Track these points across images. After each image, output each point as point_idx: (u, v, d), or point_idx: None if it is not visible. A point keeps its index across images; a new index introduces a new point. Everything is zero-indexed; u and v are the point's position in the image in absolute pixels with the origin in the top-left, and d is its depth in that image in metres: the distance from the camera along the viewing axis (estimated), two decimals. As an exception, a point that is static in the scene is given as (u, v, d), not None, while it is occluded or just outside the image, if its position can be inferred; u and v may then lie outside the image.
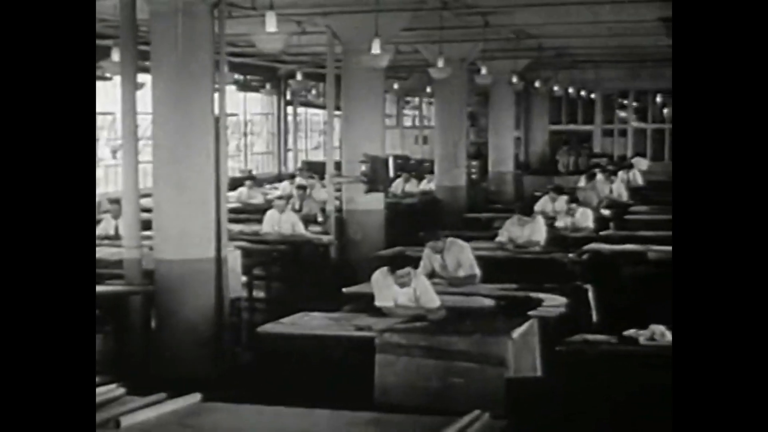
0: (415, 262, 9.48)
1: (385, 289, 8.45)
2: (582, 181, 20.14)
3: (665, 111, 32.61)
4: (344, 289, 9.69)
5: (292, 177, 21.82)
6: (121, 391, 5.64)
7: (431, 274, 9.69)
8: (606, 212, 16.02)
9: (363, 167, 14.53)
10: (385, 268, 8.56)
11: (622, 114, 32.92)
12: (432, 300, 8.43)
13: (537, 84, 26.56)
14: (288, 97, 28.01)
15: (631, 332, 7.40)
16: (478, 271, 10.01)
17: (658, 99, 32.57)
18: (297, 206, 15.78)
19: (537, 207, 14.78)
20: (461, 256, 9.96)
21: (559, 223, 13.71)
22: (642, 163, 28.59)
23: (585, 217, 13.77)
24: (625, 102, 32.85)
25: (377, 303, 8.47)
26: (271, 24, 10.43)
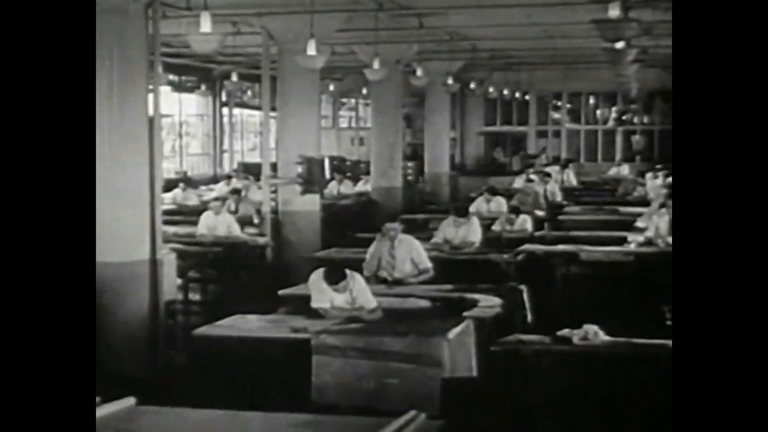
0: (349, 264, 9.50)
1: (322, 290, 8.44)
2: (517, 182, 20.32)
3: (598, 112, 33.00)
4: (280, 291, 9.67)
5: (228, 178, 21.71)
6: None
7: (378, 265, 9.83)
8: (540, 213, 16.16)
9: (299, 168, 14.51)
10: (321, 270, 8.55)
11: (556, 115, 33.25)
12: (368, 301, 8.44)
13: (472, 85, 26.75)
14: (223, 98, 27.88)
15: (564, 332, 7.49)
16: (429, 264, 10.15)
17: (591, 100, 32.95)
18: (233, 208, 15.71)
19: (472, 208, 14.88)
20: (412, 251, 10.07)
21: (497, 228, 13.80)
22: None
23: (524, 223, 13.88)
24: (559, 103, 33.18)
25: (313, 304, 8.46)
26: (205, 24, 10.37)
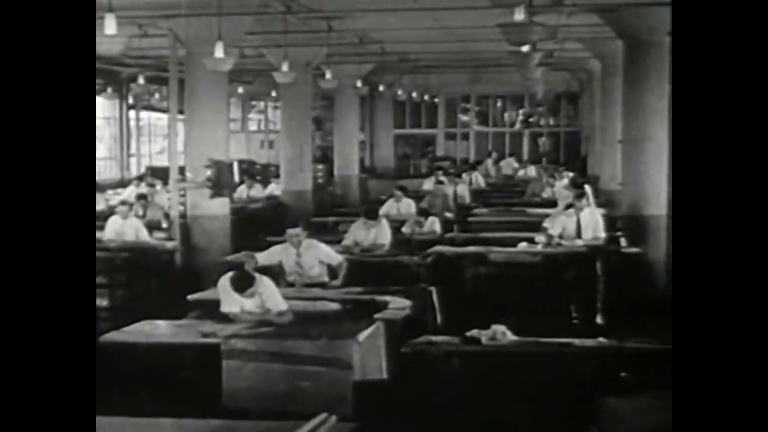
0: (260, 269, 9.47)
1: (231, 295, 8.39)
2: (426, 184, 20.44)
3: (506, 115, 33.40)
4: (189, 296, 9.58)
5: (139, 180, 21.43)
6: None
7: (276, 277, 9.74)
8: (449, 215, 16.28)
9: (207, 172, 14.41)
10: (231, 274, 8.50)
11: (465, 118, 33.56)
12: (278, 304, 8.42)
13: (381, 88, 26.87)
14: (130, 101, 27.52)
15: (473, 332, 7.57)
16: (340, 258, 10.15)
17: (499, 103, 33.33)
18: (140, 212, 15.52)
19: (382, 210, 14.91)
20: (319, 253, 10.05)
21: (406, 230, 13.86)
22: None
23: (432, 225, 13.96)
24: (468, 106, 33.50)
25: (223, 309, 8.41)
26: (110, 26, 10.23)
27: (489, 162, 30.14)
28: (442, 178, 19.14)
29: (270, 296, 8.43)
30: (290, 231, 10.04)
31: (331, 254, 10.17)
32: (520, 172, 26.95)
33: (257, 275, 8.46)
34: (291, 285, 9.90)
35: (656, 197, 13.16)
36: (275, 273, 9.82)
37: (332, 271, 10.12)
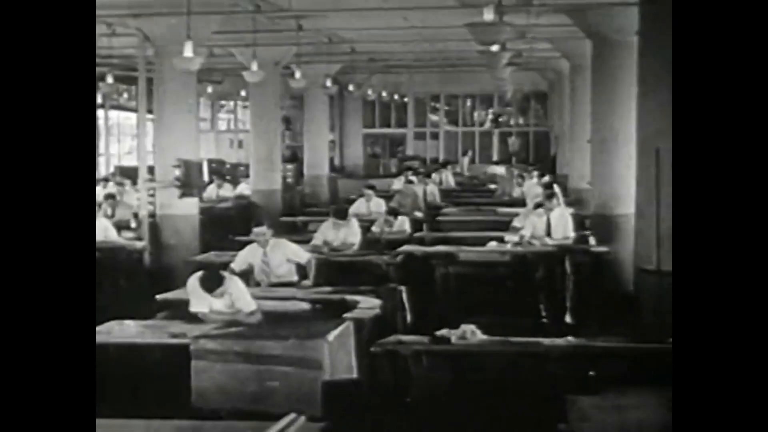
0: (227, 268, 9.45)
1: (201, 295, 8.37)
2: (396, 184, 20.45)
3: (475, 114, 33.48)
4: (158, 296, 9.55)
5: (105, 181, 21.30)
6: None
7: (247, 277, 9.73)
8: (419, 215, 16.31)
9: (176, 172, 14.35)
10: (200, 274, 8.48)
11: (434, 117, 33.62)
12: (248, 304, 8.40)
13: (351, 88, 26.85)
14: (99, 100, 27.35)
15: (443, 332, 7.59)
16: (308, 255, 10.14)
17: (468, 103, 33.42)
18: (109, 212, 15.44)
19: (352, 210, 14.91)
20: (287, 252, 10.05)
21: (376, 229, 13.86)
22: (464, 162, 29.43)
23: (402, 224, 13.97)
24: (437, 105, 33.56)
25: (192, 309, 8.38)
26: (79, 26, 10.17)
27: (465, 160, 30.22)
28: (412, 178, 19.17)
29: (239, 296, 8.41)
30: (256, 230, 10.05)
31: (298, 252, 10.16)
32: (489, 171, 27.04)
33: (227, 275, 8.44)
34: (258, 284, 9.90)
35: (625, 196, 13.24)
36: (244, 272, 9.81)
37: (301, 270, 10.12)
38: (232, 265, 9.84)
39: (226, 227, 16.70)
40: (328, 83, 22.97)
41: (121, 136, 29.52)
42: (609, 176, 14.04)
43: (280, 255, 10.02)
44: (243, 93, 27.97)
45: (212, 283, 8.15)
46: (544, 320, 11.54)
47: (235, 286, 8.44)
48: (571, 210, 14.05)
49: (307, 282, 9.95)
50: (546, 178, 20.64)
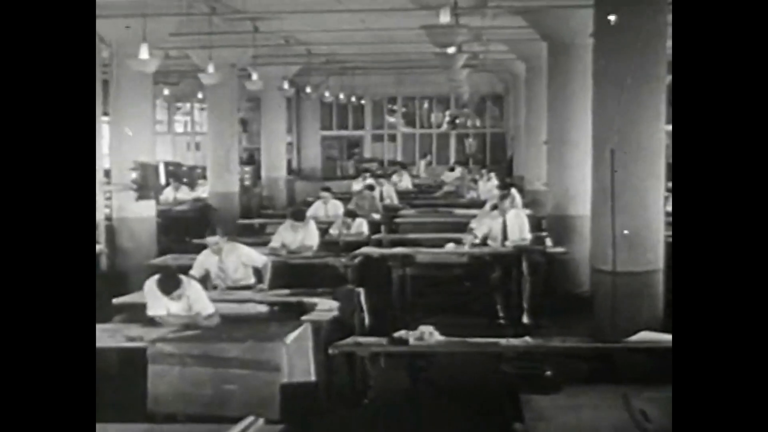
0: (186, 271, 9.40)
1: (158, 298, 8.32)
2: (355, 186, 20.45)
3: (432, 116, 33.57)
4: (115, 300, 9.48)
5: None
6: None
7: (205, 281, 9.68)
8: (377, 216, 16.32)
9: (133, 174, 14.27)
10: (157, 277, 8.43)
11: (391, 119, 33.66)
12: (205, 307, 8.37)
13: (308, 90, 26.81)
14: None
15: (401, 333, 7.61)
16: (264, 258, 10.12)
17: (425, 104, 33.50)
18: (64, 215, 15.31)
19: (309, 212, 14.89)
20: (241, 256, 10.01)
21: (334, 231, 13.86)
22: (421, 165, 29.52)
23: (360, 226, 13.97)
24: (394, 107, 33.61)
25: (149, 312, 8.34)
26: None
27: (422, 163, 30.26)
28: (372, 182, 19.14)
29: (197, 299, 8.38)
30: (210, 240, 9.95)
31: (253, 256, 10.12)
32: (446, 174, 27.11)
33: (185, 278, 8.41)
34: (216, 287, 9.86)
35: (580, 197, 13.33)
36: (202, 277, 9.78)
37: (258, 273, 10.09)
38: (192, 272, 9.79)
39: (184, 230, 16.61)
40: (285, 85, 22.92)
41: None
42: (565, 177, 14.13)
43: (235, 260, 9.99)
44: (200, 95, 27.86)
45: (169, 285, 8.11)
46: (501, 321, 11.60)
47: (192, 288, 8.40)
48: (527, 211, 14.12)
49: (262, 285, 9.92)
50: (494, 181, 20.73)
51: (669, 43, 9.44)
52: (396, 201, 19.33)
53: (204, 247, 10.30)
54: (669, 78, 10.55)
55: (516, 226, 12.13)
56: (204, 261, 10.01)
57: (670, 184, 14.53)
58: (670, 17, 9.52)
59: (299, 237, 12.12)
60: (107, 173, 15.07)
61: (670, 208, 12.57)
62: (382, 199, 18.61)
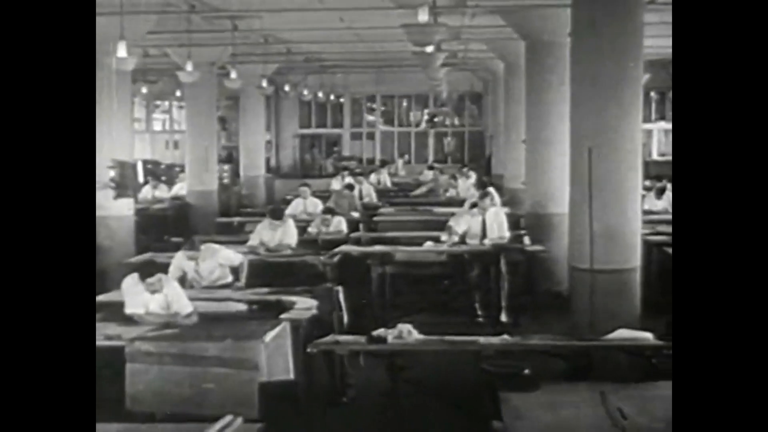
0: (165, 269, 9.38)
1: (136, 296, 8.31)
2: (335, 184, 20.44)
3: (411, 115, 33.59)
4: (93, 298, 9.45)
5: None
6: None
7: (182, 280, 9.65)
8: (355, 215, 16.33)
9: (111, 173, 14.21)
10: (135, 275, 8.42)
11: (370, 117, 33.67)
12: (184, 306, 8.36)
13: (287, 88, 26.78)
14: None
15: (379, 331, 7.62)
16: (241, 257, 10.10)
17: (404, 103, 33.52)
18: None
19: (288, 210, 14.88)
20: (218, 258, 9.98)
21: (312, 230, 13.84)
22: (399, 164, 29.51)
23: (339, 224, 13.96)
24: (373, 106, 33.62)
25: (127, 311, 8.33)
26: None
27: (400, 162, 30.29)
28: (351, 182, 19.14)
29: (176, 298, 8.37)
30: (188, 253, 9.84)
31: (230, 256, 10.09)
32: (421, 177, 27.13)
33: (164, 276, 8.40)
34: (192, 286, 9.84)
35: (559, 196, 13.37)
36: (178, 278, 9.75)
37: (235, 271, 10.08)
38: (169, 275, 9.76)
39: (162, 229, 16.57)
40: (264, 83, 22.88)
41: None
42: (543, 176, 14.18)
43: (211, 263, 9.95)
44: (178, 93, 27.79)
45: (147, 273, 8.14)
46: (480, 319, 11.63)
47: (171, 287, 8.40)
48: (506, 209, 14.15)
49: (239, 284, 9.91)
50: (473, 179, 20.78)
51: (645, 42, 9.52)
52: (375, 199, 19.33)
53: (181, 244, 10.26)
54: (646, 77, 10.62)
55: (495, 224, 12.16)
56: (179, 264, 9.95)
57: (647, 183, 14.65)
58: (646, 17, 9.59)
59: (278, 235, 12.11)
60: (85, 171, 15.00)
61: (647, 207, 12.63)
62: (361, 197, 18.62)
